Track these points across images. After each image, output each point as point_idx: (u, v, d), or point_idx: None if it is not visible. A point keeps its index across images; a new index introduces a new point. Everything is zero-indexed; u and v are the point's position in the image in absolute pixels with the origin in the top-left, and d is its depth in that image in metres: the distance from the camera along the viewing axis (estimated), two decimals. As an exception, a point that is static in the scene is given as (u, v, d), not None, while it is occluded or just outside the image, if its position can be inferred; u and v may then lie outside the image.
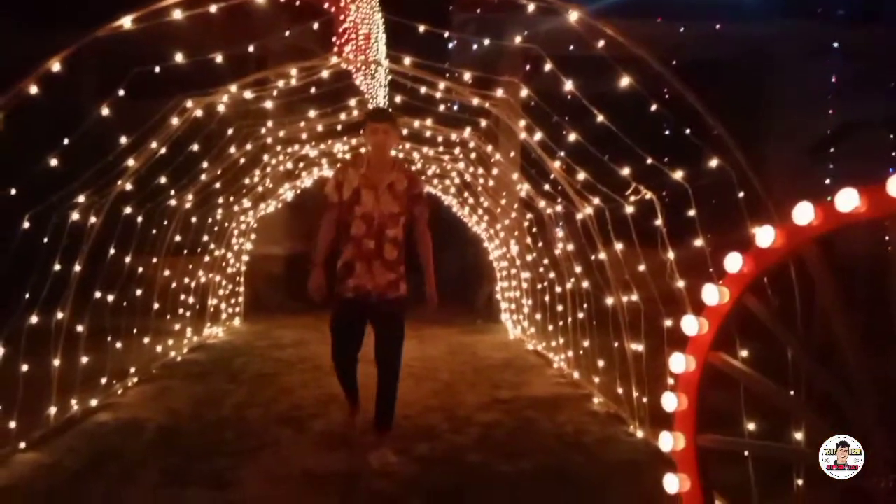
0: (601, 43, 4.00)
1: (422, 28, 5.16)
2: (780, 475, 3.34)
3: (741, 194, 3.83)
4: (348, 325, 4.46)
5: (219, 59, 5.04)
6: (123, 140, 5.25)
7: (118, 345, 6.20)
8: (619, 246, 5.48)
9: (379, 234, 4.35)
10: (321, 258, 4.40)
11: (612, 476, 4.28)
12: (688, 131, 4.36)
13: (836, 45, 9.97)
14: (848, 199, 2.08)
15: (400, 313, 4.44)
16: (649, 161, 4.68)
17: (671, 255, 4.71)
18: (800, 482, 3.26)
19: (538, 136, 5.90)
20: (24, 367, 4.62)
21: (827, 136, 10.04)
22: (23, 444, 4.50)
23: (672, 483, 2.79)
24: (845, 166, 9.72)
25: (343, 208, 4.41)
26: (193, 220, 7.74)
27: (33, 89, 3.81)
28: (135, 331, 6.74)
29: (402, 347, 4.45)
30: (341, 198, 4.40)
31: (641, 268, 5.27)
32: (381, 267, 4.35)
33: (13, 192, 4.39)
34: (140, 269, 6.71)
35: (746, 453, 3.37)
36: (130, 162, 5.37)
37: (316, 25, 5.67)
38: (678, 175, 4.49)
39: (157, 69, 4.80)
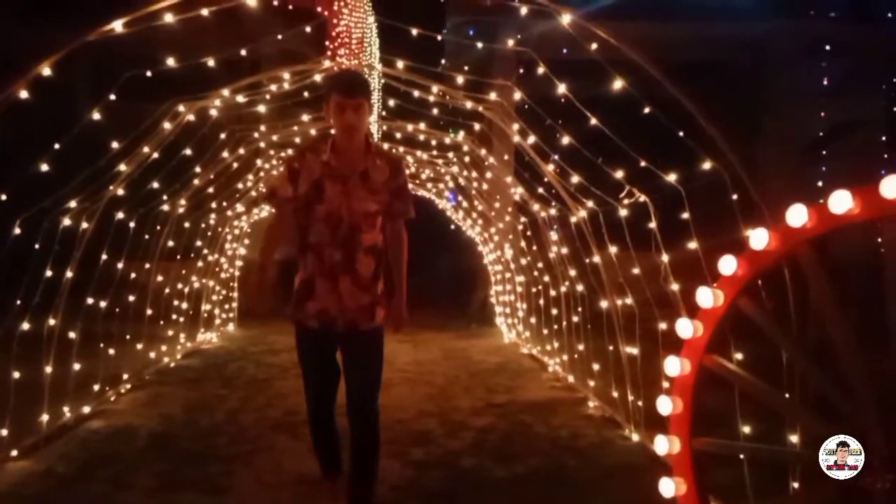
0: (594, 45, 4.01)
1: (415, 31, 5.16)
2: (776, 477, 3.33)
3: (734, 197, 3.84)
4: (317, 362, 3.46)
5: (211, 62, 5.02)
6: (115, 145, 5.23)
7: (111, 351, 6.17)
8: (613, 249, 5.47)
9: (349, 241, 3.27)
10: (270, 257, 3.53)
11: (607, 480, 4.27)
12: (681, 134, 4.36)
13: (827, 47, 10.02)
14: (841, 201, 2.08)
15: (376, 349, 3.42)
16: (643, 164, 4.68)
17: (665, 257, 4.71)
18: (795, 484, 3.25)
19: (531, 139, 5.90)
20: (16, 374, 4.59)
21: (819, 138, 10.09)
22: (14, 452, 4.46)
23: (668, 487, 2.78)
24: (838, 168, 9.75)
25: (299, 208, 3.32)
26: (186, 225, 7.71)
27: (23, 93, 3.79)
28: (128, 337, 6.71)
29: (380, 392, 3.44)
30: (296, 193, 3.30)
31: (635, 271, 5.26)
32: (352, 285, 3.29)
33: (4, 196, 4.36)
34: (133, 275, 6.67)
35: (742, 456, 3.37)
36: (122, 167, 5.35)
37: (309, 29, 5.66)
38: (671, 178, 4.49)
39: (150, 73, 4.79)
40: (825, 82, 10.30)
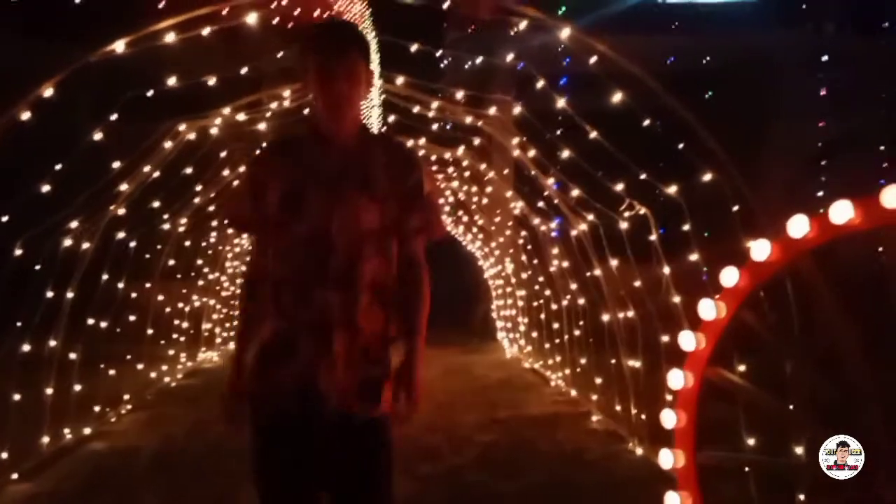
0: (593, 59, 4.02)
1: (414, 47, 5.18)
2: (781, 489, 3.31)
3: (735, 208, 3.84)
4: (286, 477, 2.31)
5: (212, 81, 5.05)
6: (116, 164, 5.25)
7: (112, 371, 6.15)
8: (614, 262, 5.47)
9: (345, 278, 2.10)
10: (247, 345, 2.21)
11: (612, 494, 4.24)
12: (681, 146, 4.36)
13: (824, 58, 10.07)
14: (842, 211, 2.08)
15: (381, 454, 2.23)
16: (643, 176, 4.68)
17: (666, 270, 4.70)
18: (801, 497, 3.23)
19: (531, 153, 5.91)
20: (17, 396, 4.57)
21: (821, 149, 10.12)
22: (15, 475, 4.43)
23: (673, 501, 2.75)
24: (839, 178, 9.77)
25: (267, 229, 2.19)
26: (187, 243, 7.71)
27: (25, 115, 3.80)
28: (128, 357, 6.69)
29: None
30: (262, 211, 2.17)
31: (637, 283, 5.25)
32: (351, 347, 2.11)
33: (5, 218, 4.37)
34: (133, 295, 6.67)
35: (747, 468, 3.34)
36: (123, 186, 5.36)
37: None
38: (672, 190, 4.49)
39: (151, 93, 4.80)
40: (824, 93, 10.35)
